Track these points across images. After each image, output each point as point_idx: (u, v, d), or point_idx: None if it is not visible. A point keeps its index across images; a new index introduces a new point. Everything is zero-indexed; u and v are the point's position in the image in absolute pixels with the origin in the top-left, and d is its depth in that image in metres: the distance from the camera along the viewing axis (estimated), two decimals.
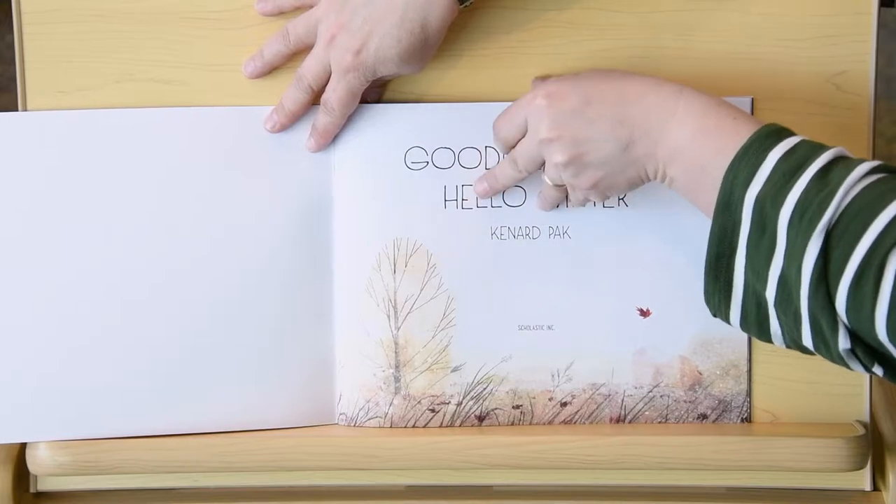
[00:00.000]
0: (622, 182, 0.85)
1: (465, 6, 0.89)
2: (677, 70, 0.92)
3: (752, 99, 0.92)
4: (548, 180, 0.88)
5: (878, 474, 0.95)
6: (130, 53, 0.93)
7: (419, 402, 0.93)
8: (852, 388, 0.93)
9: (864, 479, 0.95)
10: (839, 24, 0.92)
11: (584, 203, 0.89)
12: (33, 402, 0.91)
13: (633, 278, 0.93)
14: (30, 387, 0.91)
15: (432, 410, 0.92)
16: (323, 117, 0.91)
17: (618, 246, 0.92)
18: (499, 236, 0.93)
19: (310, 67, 0.90)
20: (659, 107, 0.83)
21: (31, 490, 0.96)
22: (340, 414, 0.93)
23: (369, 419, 0.93)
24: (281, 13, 0.92)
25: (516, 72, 0.93)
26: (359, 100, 0.91)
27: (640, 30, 0.93)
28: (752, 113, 0.91)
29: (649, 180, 0.85)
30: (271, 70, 0.93)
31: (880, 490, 0.94)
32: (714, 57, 0.92)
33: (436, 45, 0.89)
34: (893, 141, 1.84)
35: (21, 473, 0.94)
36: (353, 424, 0.93)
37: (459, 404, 0.93)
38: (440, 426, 0.93)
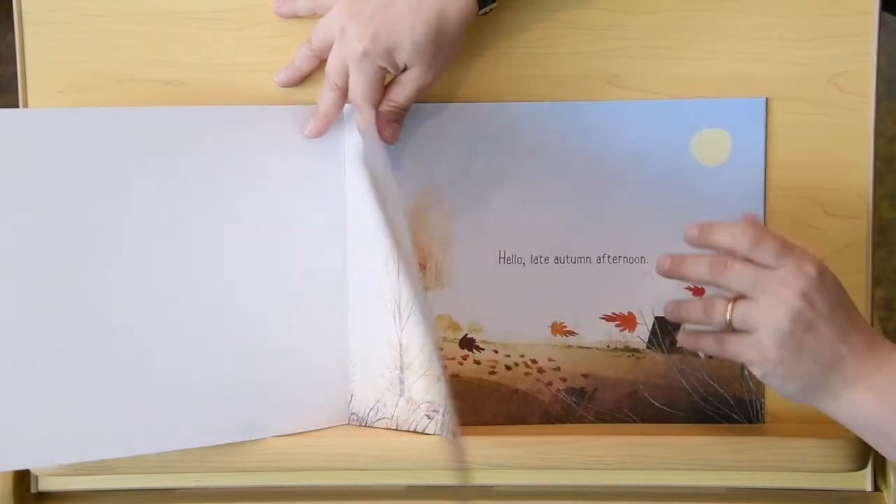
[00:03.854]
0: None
1: (484, 12, 0.88)
2: (677, 71, 0.92)
3: (767, 99, 0.92)
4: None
5: (879, 475, 0.94)
6: (130, 53, 0.93)
7: (419, 406, 0.92)
8: None
9: (865, 480, 0.95)
10: (840, 24, 0.92)
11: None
12: (36, 424, 0.86)
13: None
14: (32, 407, 0.86)
15: (428, 417, 0.92)
16: (357, 117, 0.90)
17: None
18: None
19: (330, 64, 0.90)
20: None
21: (32, 490, 0.96)
22: (352, 414, 0.93)
23: (378, 419, 0.93)
24: (296, 17, 0.92)
25: (518, 72, 0.93)
26: (381, 90, 0.89)
27: (641, 30, 0.92)
28: (766, 113, 0.91)
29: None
30: (301, 77, 0.93)
31: (881, 490, 0.94)
32: (715, 57, 0.92)
33: (451, 45, 0.88)
34: (894, 141, 1.83)
35: (22, 473, 0.94)
36: (363, 425, 0.93)
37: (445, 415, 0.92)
38: (434, 434, 0.92)
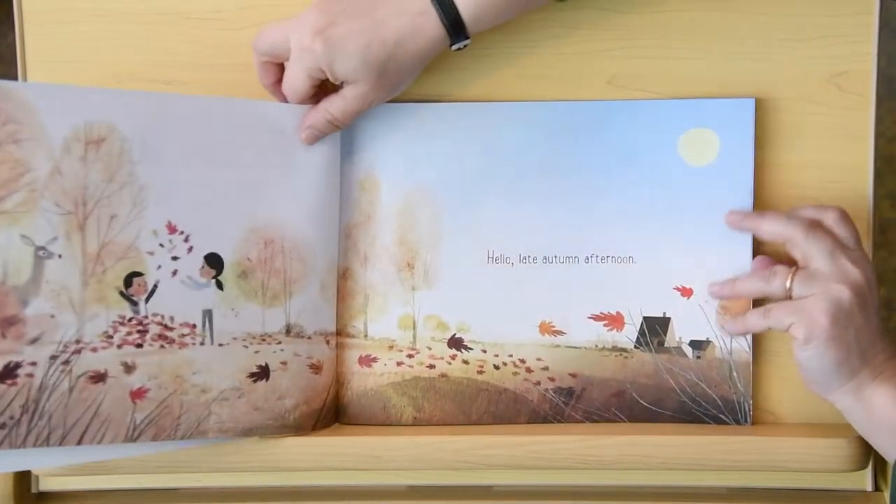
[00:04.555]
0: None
1: (457, 48, 0.86)
2: (677, 71, 0.92)
3: (755, 100, 0.92)
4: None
5: (880, 475, 0.94)
6: (130, 53, 0.93)
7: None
8: None
9: (865, 480, 0.95)
10: (840, 24, 0.92)
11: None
12: None
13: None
14: None
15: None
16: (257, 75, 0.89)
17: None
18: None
19: (270, 35, 0.87)
20: None
21: (33, 490, 0.96)
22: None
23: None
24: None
25: (518, 72, 0.93)
26: (309, 91, 0.87)
27: (642, 30, 0.92)
28: (756, 113, 0.92)
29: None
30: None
31: (881, 490, 0.94)
32: (715, 57, 0.92)
33: (401, 74, 0.86)
34: (894, 141, 1.83)
35: (22, 474, 0.94)
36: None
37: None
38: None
